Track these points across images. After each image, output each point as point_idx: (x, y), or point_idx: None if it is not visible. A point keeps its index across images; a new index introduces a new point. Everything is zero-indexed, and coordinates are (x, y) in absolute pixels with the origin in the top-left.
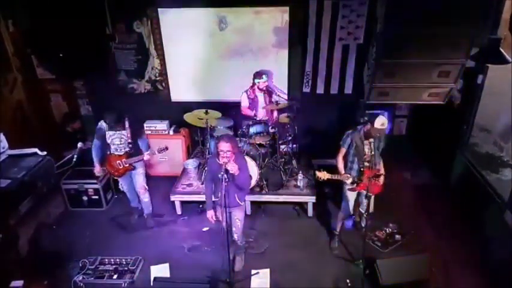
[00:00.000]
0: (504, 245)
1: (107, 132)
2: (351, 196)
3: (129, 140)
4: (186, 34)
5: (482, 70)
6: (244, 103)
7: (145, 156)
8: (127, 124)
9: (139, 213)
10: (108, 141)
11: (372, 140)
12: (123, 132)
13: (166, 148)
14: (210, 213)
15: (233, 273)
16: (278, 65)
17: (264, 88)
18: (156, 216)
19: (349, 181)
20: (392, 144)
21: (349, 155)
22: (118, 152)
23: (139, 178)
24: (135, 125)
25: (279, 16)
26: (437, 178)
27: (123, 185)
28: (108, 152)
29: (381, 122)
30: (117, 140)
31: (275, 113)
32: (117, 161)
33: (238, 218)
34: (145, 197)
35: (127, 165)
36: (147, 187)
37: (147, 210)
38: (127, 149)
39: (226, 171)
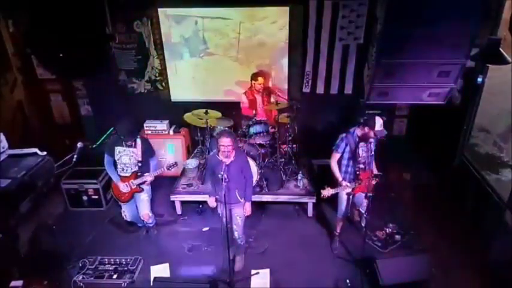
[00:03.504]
0: (504, 245)
1: (116, 148)
2: (346, 198)
3: (139, 159)
4: (186, 34)
5: (482, 70)
6: (244, 104)
7: (148, 178)
8: (139, 141)
9: (147, 229)
10: (116, 157)
11: (372, 140)
12: (134, 150)
13: (176, 164)
14: (211, 199)
15: (233, 273)
16: (278, 65)
17: (261, 89)
18: (156, 216)
19: (349, 190)
20: (393, 144)
21: (344, 159)
22: (124, 173)
23: (144, 205)
24: (143, 141)
25: (280, 16)
26: (437, 178)
27: (126, 212)
28: None
29: (380, 123)
30: (126, 157)
31: (274, 113)
32: (124, 183)
33: (238, 215)
34: (149, 223)
35: (134, 186)
36: (151, 214)
37: (151, 225)
38: (135, 170)
39: (227, 167)
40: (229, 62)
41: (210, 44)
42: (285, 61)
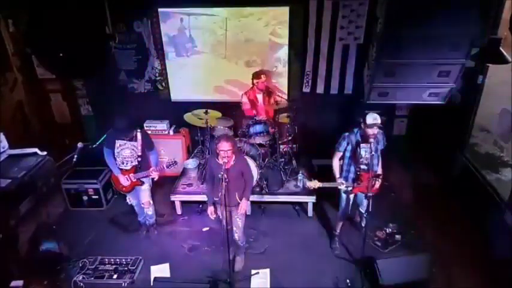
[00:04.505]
0: (504, 245)
1: (116, 141)
2: (345, 197)
3: (139, 153)
4: (171, 32)
5: (482, 70)
6: (246, 105)
7: (153, 174)
8: (139, 136)
9: (147, 228)
10: (117, 150)
11: (371, 140)
12: (134, 143)
13: (176, 162)
14: (210, 209)
15: (233, 273)
16: (268, 62)
17: (263, 88)
18: (157, 216)
19: (342, 187)
20: (392, 144)
21: (346, 158)
22: (125, 166)
23: (144, 193)
24: (144, 134)
25: (280, 16)
26: (437, 178)
27: (131, 199)
28: None
29: (373, 117)
30: (127, 151)
31: (273, 113)
32: (125, 176)
33: (238, 217)
34: (149, 211)
35: (135, 180)
36: (151, 202)
37: (151, 221)
38: (135, 163)
39: (226, 171)
40: (218, 59)
41: (197, 41)
42: (274, 57)
